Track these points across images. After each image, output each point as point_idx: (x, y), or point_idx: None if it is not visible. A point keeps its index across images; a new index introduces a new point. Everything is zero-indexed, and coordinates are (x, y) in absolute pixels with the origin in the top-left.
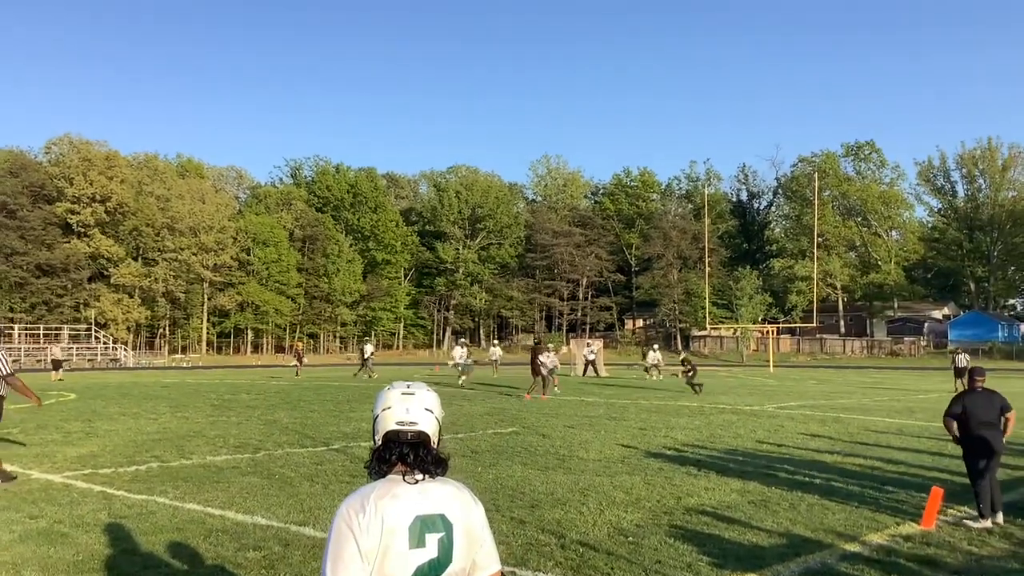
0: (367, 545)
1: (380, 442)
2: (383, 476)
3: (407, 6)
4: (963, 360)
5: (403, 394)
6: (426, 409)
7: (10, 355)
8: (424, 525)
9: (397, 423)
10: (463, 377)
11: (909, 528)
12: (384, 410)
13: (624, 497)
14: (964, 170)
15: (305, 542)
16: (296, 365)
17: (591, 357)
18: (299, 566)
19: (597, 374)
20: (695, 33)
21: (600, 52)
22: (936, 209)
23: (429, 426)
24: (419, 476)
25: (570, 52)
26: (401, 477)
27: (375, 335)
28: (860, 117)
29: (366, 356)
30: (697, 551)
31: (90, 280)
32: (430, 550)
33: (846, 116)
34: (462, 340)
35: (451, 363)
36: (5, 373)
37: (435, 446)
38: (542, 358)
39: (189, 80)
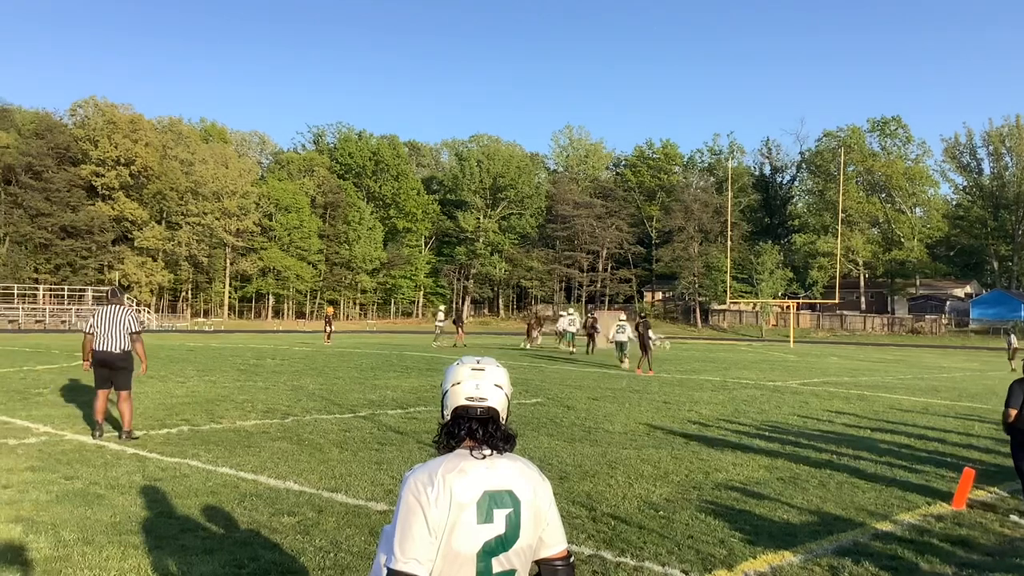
0: (436, 519)
1: (449, 417)
2: (451, 451)
3: None
4: (1013, 340)
5: (473, 369)
6: (496, 385)
7: (139, 316)
8: (492, 500)
9: (467, 398)
10: (573, 347)
11: (940, 508)
12: (454, 385)
13: (652, 471)
14: (991, 147)
15: (338, 509)
16: (327, 331)
17: (620, 337)
18: (334, 532)
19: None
20: (721, 5)
21: (624, 22)
22: (961, 186)
23: (498, 402)
24: (487, 451)
25: (594, 22)
26: (469, 452)
27: (396, 302)
28: (887, 92)
29: (439, 322)
30: (729, 527)
31: (114, 243)
32: (498, 526)
33: (872, 91)
34: (569, 308)
35: (557, 330)
36: (132, 331)
37: (504, 422)
38: (650, 333)
39: (214, 45)
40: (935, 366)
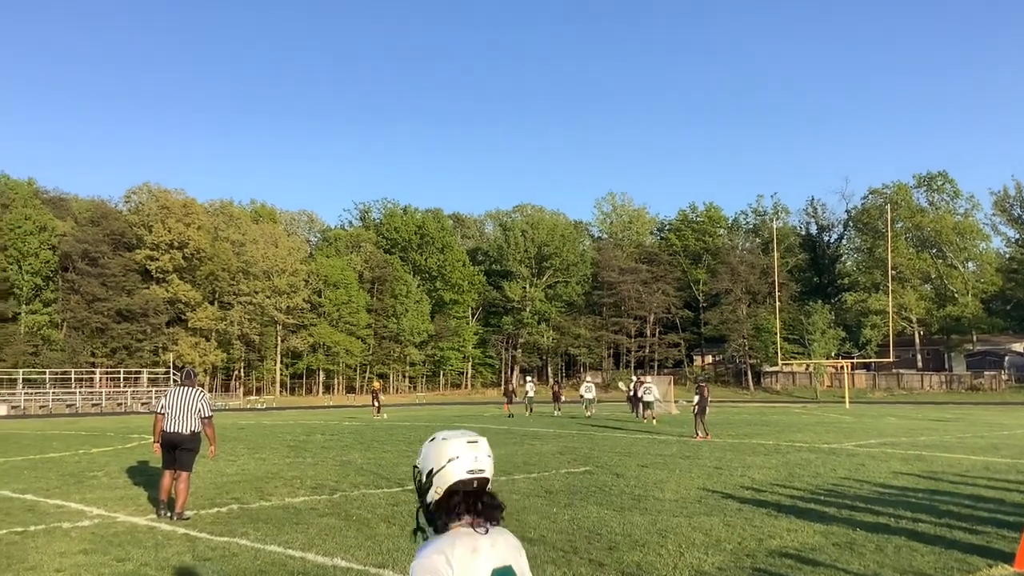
0: None
1: (441, 495)
2: (447, 529)
3: (470, 48)
4: None
5: (469, 443)
6: (488, 455)
7: (211, 400)
8: None
9: (468, 472)
10: (590, 411)
11: (1002, 570)
12: (451, 460)
13: (704, 539)
14: None
15: None
16: (375, 405)
17: (647, 398)
18: None
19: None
20: (760, 65)
21: (664, 88)
22: (1013, 239)
23: (491, 472)
24: (488, 525)
25: (632, 88)
26: (472, 529)
27: (445, 374)
28: (931, 147)
29: (530, 394)
30: None
31: (168, 324)
32: None
33: (917, 146)
34: (589, 376)
35: (583, 397)
36: (204, 415)
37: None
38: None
39: (261, 129)
40: (995, 423)
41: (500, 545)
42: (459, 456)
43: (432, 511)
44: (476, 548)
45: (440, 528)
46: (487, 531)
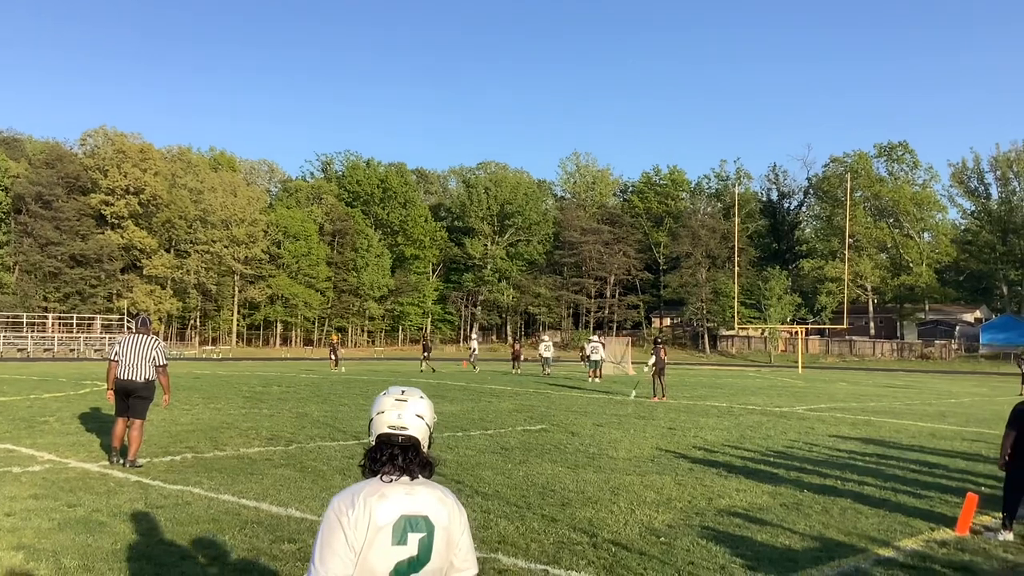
0: (354, 538)
1: (374, 443)
2: (375, 474)
3: (437, 3)
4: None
5: (396, 400)
6: (416, 415)
7: (166, 348)
8: (408, 524)
9: (389, 427)
10: (547, 370)
11: (944, 534)
12: (378, 414)
13: (655, 497)
14: (998, 172)
15: None
16: (332, 358)
17: (594, 357)
18: None
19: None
20: (726, 31)
21: (630, 49)
22: (969, 211)
23: (418, 431)
24: (400, 477)
25: (600, 49)
26: (390, 478)
27: (405, 329)
28: (893, 117)
29: (475, 352)
30: (730, 553)
31: (123, 271)
32: (411, 548)
33: (879, 116)
34: (547, 335)
35: (541, 356)
36: (159, 363)
37: (425, 450)
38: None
39: (222, 74)
40: (944, 391)
41: (419, 495)
42: (384, 411)
43: (366, 456)
44: (385, 494)
45: (369, 473)
46: (392, 480)
